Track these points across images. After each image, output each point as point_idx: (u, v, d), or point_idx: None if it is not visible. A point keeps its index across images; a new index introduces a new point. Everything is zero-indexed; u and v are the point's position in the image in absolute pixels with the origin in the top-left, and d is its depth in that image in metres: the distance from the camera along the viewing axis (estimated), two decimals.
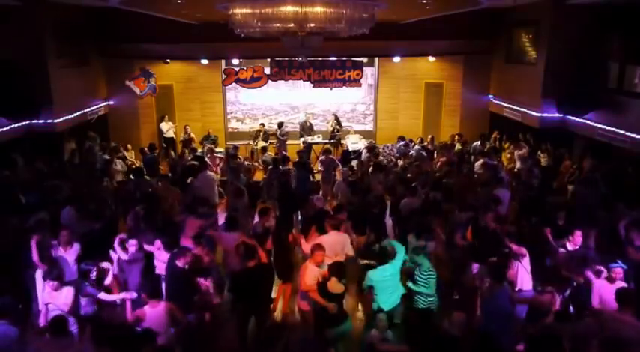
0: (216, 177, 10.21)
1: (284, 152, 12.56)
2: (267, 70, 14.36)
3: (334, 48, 12.78)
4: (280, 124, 14.51)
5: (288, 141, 14.82)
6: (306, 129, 14.72)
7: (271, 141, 14.54)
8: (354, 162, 12.12)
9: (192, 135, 14.45)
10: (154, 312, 5.34)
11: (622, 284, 5.66)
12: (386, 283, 5.87)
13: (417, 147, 12.51)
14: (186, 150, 13.20)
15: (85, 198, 8.21)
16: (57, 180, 8.95)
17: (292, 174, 10.04)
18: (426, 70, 15.57)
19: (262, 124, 14.98)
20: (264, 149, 12.82)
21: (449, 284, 6.98)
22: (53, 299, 5.53)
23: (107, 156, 11.54)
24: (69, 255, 6.42)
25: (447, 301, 6.55)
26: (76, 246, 6.52)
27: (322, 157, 11.39)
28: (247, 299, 6.05)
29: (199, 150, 12.97)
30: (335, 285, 5.49)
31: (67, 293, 5.54)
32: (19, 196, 8.27)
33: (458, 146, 12.87)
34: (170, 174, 10.99)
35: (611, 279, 5.66)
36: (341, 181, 9.56)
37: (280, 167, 10.08)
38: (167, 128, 14.73)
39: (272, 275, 6.74)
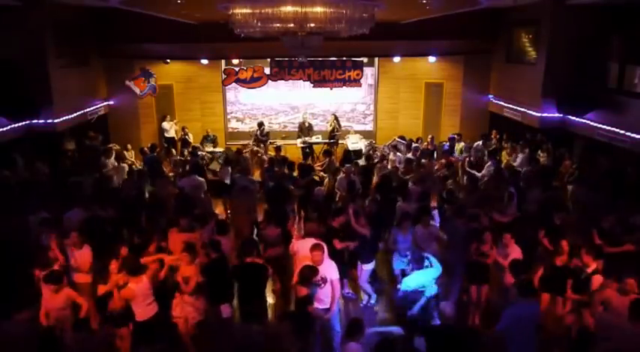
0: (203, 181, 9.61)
1: (281, 154, 12.41)
2: (267, 70, 14.36)
3: (334, 48, 12.77)
4: (260, 124, 14.36)
5: (287, 142, 14.82)
6: (305, 129, 14.70)
7: (270, 140, 14.50)
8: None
9: (188, 137, 14.45)
10: (141, 286, 5.59)
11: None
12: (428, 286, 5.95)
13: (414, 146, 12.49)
14: (185, 150, 13.22)
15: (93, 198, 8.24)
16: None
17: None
18: (426, 70, 15.57)
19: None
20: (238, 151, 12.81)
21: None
22: (51, 301, 5.53)
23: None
24: (79, 257, 6.35)
25: None
26: (86, 249, 6.43)
27: (326, 161, 11.36)
28: (244, 294, 6.13)
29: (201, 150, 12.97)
30: (299, 289, 5.55)
31: (65, 297, 5.55)
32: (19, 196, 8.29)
33: (460, 146, 12.85)
34: (173, 173, 11.02)
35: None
36: (342, 178, 9.55)
37: (276, 168, 10.03)
38: (169, 127, 14.73)
39: (266, 275, 6.72)
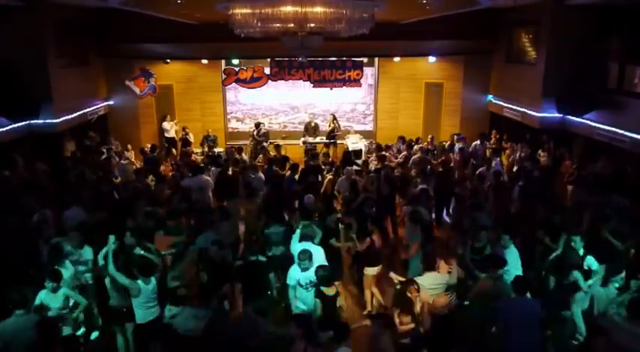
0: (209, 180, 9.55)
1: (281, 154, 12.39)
2: (267, 70, 14.37)
3: (334, 48, 12.76)
4: (258, 125, 14.34)
5: (289, 142, 14.81)
6: (310, 129, 14.69)
7: (271, 140, 14.48)
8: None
9: (189, 137, 14.46)
10: (149, 288, 5.57)
11: None
12: (436, 291, 5.86)
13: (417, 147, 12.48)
14: (184, 150, 13.27)
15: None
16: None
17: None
18: (426, 70, 15.57)
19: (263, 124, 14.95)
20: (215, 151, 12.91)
21: None
22: (49, 301, 5.51)
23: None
24: (79, 256, 6.31)
25: None
26: (87, 249, 6.40)
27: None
28: (248, 292, 6.16)
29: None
30: (327, 288, 5.49)
31: (62, 296, 5.55)
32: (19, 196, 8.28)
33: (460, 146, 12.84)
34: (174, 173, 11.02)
35: None
36: (344, 179, 9.56)
37: (275, 168, 10.01)
38: (170, 127, 14.74)
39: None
